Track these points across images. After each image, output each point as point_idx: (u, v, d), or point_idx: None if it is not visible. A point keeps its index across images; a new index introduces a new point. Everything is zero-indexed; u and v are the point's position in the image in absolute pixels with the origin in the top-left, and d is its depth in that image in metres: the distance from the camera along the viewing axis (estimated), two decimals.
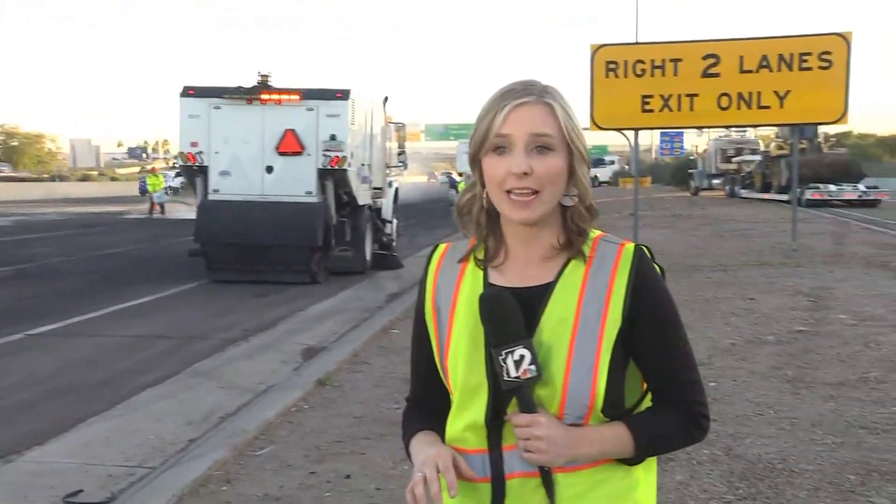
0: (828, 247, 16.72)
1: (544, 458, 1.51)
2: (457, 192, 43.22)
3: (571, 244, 1.58)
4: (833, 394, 6.25)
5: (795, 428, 5.48)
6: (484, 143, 1.55)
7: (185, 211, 28.49)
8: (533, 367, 1.49)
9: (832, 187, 32.16)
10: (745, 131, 44.32)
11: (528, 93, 1.54)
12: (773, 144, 40.67)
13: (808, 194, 30.91)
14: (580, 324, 1.53)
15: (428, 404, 1.73)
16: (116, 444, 5.64)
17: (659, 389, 1.63)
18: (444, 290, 1.65)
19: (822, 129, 36.80)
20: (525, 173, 1.51)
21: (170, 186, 39.99)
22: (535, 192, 1.52)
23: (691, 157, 57.75)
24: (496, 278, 1.62)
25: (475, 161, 1.59)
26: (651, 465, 1.67)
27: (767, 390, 6.34)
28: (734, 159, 45.72)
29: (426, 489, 1.50)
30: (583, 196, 1.58)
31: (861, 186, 33.18)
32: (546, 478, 1.54)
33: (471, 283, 1.62)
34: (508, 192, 1.53)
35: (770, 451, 5.03)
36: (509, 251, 1.62)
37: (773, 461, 4.86)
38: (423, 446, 1.63)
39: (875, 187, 34.08)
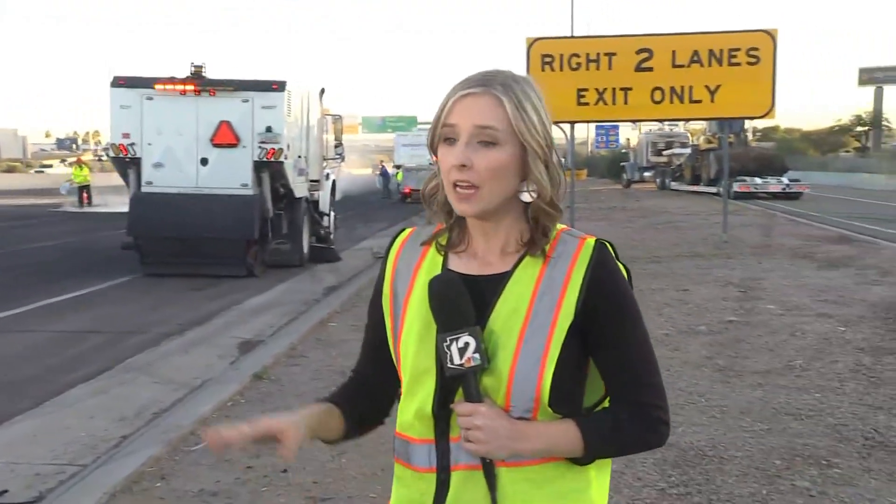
0: (756, 238, 17.17)
1: (483, 449, 1.47)
2: (389, 182, 42.96)
3: (535, 241, 1.54)
4: (761, 382, 6.43)
5: (725, 416, 5.62)
6: (435, 132, 1.54)
7: (119, 204, 27.82)
8: (477, 355, 1.46)
9: (758, 180, 33.35)
10: (676, 125, 45.56)
11: (480, 83, 1.50)
12: (702, 138, 41.93)
13: (736, 187, 31.86)
14: (532, 315, 1.50)
15: (368, 381, 1.72)
16: (45, 442, 5.51)
17: (615, 390, 1.57)
18: (402, 273, 1.63)
19: (750, 124, 38.40)
20: (463, 165, 1.47)
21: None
22: (476, 187, 1.49)
23: (624, 151, 59.03)
24: (455, 264, 1.59)
25: (433, 149, 1.57)
26: (605, 466, 1.62)
27: (699, 379, 6.49)
28: (664, 152, 47.19)
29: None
30: (541, 192, 1.52)
31: (785, 179, 34.35)
32: (488, 470, 1.50)
33: (429, 268, 1.60)
34: (455, 183, 1.50)
35: (701, 438, 5.16)
36: (472, 240, 1.59)
37: (704, 448, 4.99)
38: (293, 411, 1.61)
39: (797, 180, 35.21)
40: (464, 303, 1.49)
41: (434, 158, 1.57)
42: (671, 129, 48.37)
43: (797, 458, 4.83)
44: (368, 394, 1.72)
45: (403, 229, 1.72)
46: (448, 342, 1.47)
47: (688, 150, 43.60)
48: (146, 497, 4.48)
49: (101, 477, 4.76)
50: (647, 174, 47.74)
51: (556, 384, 1.49)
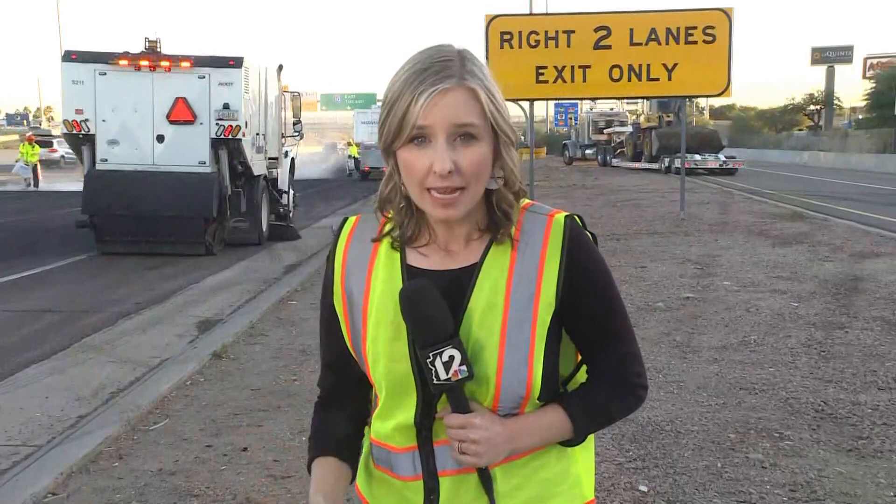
0: (714, 216, 17.38)
1: (480, 461, 1.41)
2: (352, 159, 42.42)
3: (497, 225, 1.44)
4: (717, 357, 6.54)
5: (682, 391, 5.72)
6: (400, 133, 1.37)
7: (68, 182, 27.32)
8: (464, 367, 1.36)
9: (697, 157, 35.04)
10: (636, 103, 47.31)
11: (448, 74, 1.35)
12: (642, 117, 44.29)
13: (677, 163, 32.92)
14: (510, 310, 1.41)
15: (339, 397, 1.61)
16: None
17: (595, 362, 1.52)
18: (354, 271, 1.50)
19: (706, 102, 41.08)
20: (450, 172, 1.34)
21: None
22: (461, 189, 1.37)
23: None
24: (415, 259, 1.47)
25: (389, 151, 1.41)
26: (588, 442, 1.58)
27: (657, 355, 6.59)
28: (605, 131, 49.63)
29: None
30: (509, 180, 1.43)
31: (721, 157, 36.93)
32: (483, 475, 1.45)
33: (386, 265, 1.48)
34: (430, 188, 1.37)
35: (658, 413, 5.24)
36: (433, 232, 1.47)
37: (662, 423, 5.07)
38: (318, 483, 1.52)
39: (733, 157, 37.93)
40: (442, 313, 1.37)
41: (389, 160, 1.44)
42: (610, 109, 51.69)
43: (751, 431, 4.93)
44: (350, 408, 1.61)
45: (346, 219, 1.58)
46: (431, 357, 1.36)
47: (628, 129, 46.11)
48: (104, 477, 4.44)
49: (56, 457, 4.71)
50: (588, 151, 50.06)
51: (546, 378, 1.44)
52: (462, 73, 1.37)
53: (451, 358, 1.36)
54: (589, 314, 1.47)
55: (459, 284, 1.43)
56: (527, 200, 1.50)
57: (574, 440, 1.50)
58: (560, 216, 1.48)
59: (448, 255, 1.47)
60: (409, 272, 1.47)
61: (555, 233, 1.45)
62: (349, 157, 42.73)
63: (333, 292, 1.53)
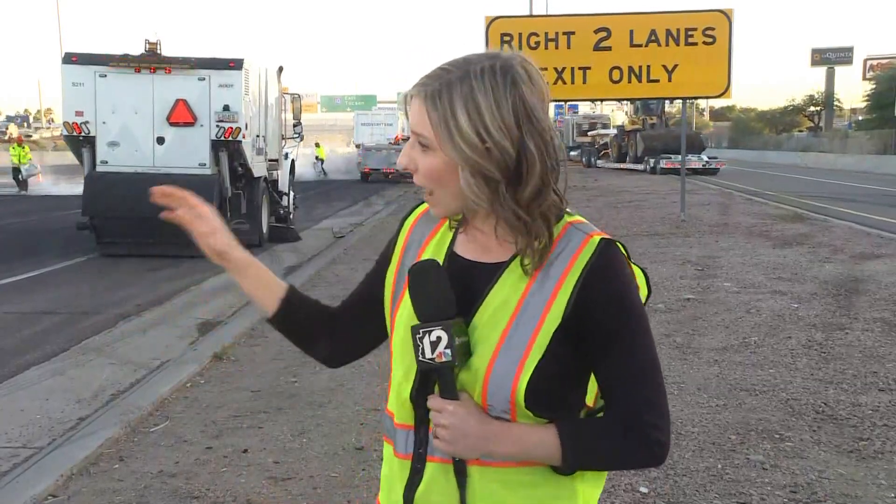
0: (714, 217, 17.39)
1: (448, 449, 1.41)
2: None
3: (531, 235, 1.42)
4: (717, 358, 6.54)
5: (683, 392, 5.72)
6: None
7: (66, 186, 27.16)
8: (448, 350, 1.37)
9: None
10: (636, 103, 48.67)
11: (420, 84, 1.41)
12: (626, 120, 46.29)
13: (662, 164, 36.62)
14: (520, 312, 1.40)
15: (338, 314, 1.68)
16: None
17: (609, 402, 1.44)
18: (412, 248, 1.57)
19: (707, 103, 42.82)
20: (405, 168, 1.44)
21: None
22: (431, 191, 1.45)
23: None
24: (461, 246, 1.51)
25: None
26: (595, 478, 1.52)
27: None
28: (589, 133, 51.41)
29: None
30: (474, 201, 1.41)
31: (704, 157, 38.79)
32: (459, 468, 1.44)
33: (436, 245, 1.53)
34: None
35: None
36: (474, 222, 1.50)
37: None
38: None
39: (715, 157, 40.33)
40: (442, 294, 1.40)
41: None
42: (593, 112, 54.07)
43: (751, 432, 4.93)
44: (329, 319, 1.68)
45: (422, 202, 1.60)
46: (421, 334, 1.39)
47: (613, 131, 47.88)
48: (104, 479, 4.44)
49: (57, 459, 4.71)
50: (573, 153, 51.13)
51: (534, 388, 1.39)
52: (433, 85, 1.39)
53: (439, 339, 1.38)
54: (600, 345, 1.41)
55: (484, 278, 1.45)
56: (576, 217, 1.48)
57: (562, 469, 1.42)
58: (596, 237, 1.43)
59: (484, 249, 1.48)
60: (449, 257, 1.51)
61: (585, 251, 1.42)
62: (316, 158, 41.35)
63: (390, 262, 1.60)
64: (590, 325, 1.40)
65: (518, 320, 1.40)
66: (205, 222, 1.62)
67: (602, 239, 1.43)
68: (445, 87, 1.38)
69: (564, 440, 1.39)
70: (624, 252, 1.45)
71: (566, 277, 1.40)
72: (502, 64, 1.38)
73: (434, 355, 1.38)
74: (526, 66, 1.40)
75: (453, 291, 1.41)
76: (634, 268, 1.47)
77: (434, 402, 1.42)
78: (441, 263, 1.46)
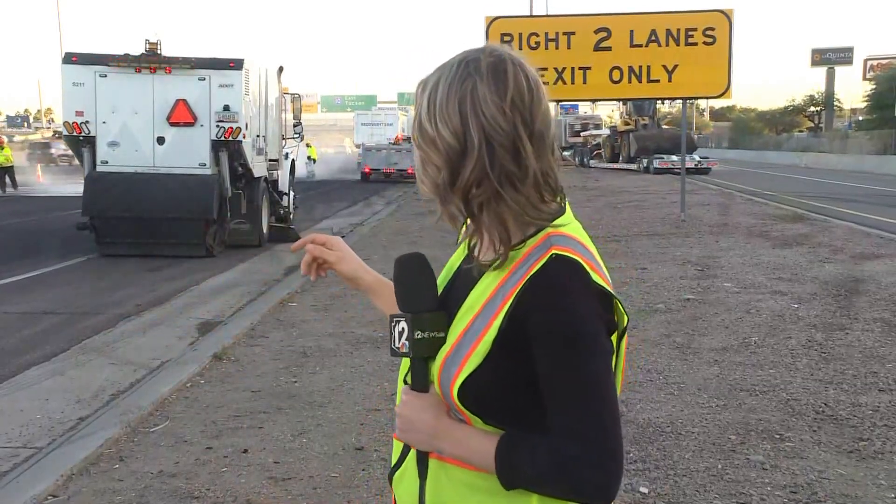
0: (714, 218, 17.39)
1: (402, 437, 1.47)
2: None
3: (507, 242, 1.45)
4: (717, 359, 6.54)
5: (683, 392, 5.72)
6: None
7: (63, 185, 27.04)
8: (407, 342, 1.43)
9: (674, 157, 36.07)
10: (629, 103, 49.28)
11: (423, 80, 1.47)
12: (619, 120, 46.47)
13: (656, 163, 37.32)
14: (480, 312, 1.40)
15: None
16: None
17: (550, 420, 1.35)
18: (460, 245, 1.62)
19: (708, 103, 43.32)
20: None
21: None
22: None
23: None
24: (478, 246, 1.49)
25: None
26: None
27: (658, 357, 6.58)
28: (582, 133, 51.78)
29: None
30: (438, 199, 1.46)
31: (696, 157, 39.14)
32: (420, 457, 1.47)
33: (462, 247, 1.55)
34: None
35: (659, 415, 5.24)
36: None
37: (662, 425, 5.07)
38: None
39: (707, 157, 41.44)
40: (418, 289, 1.46)
41: None
42: (585, 113, 54.80)
43: (751, 432, 4.93)
44: None
45: None
46: (393, 323, 1.45)
47: (604, 132, 48.67)
48: (104, 479, 4.44)
49: (57, 459, 4.71)
50: (566, 154, 52.17)
51: (470, 390, 1.37)
52: (419, 86, 1.45)
53: (403, 330, 1.44)
54: (535, 363, 1.34)
55: (472, 282, 1.47)
56: (566, 228, 1.43)
57: (502, 482, 1.35)
58: (553, 252, 1.37)
59: (486, 255, 1.48)
60: (467, 256, 1.52)
61: (538, 264, 1.37)
62: (308, 158, 40.37)
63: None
64: (521, 340, 1.35)
65: (475, 321, 1.40)
66: (333, 253, 1.78)
67: (554, 254, 1.36)
68: (421, 88, 1.44)
69: (498, 454, 1.34)
70: (584, 270, 1.36)
71: (518, 287, 1.37)
72: (472, 58, 1.40)
73: (399, 345, 1.45)
74: (496, 61, 1.39)
75: (446, 288, 1.48)
76: (593, 283, 1.36)
77: (403, 390, 1.49)
78: (424, 256, 1.50)
